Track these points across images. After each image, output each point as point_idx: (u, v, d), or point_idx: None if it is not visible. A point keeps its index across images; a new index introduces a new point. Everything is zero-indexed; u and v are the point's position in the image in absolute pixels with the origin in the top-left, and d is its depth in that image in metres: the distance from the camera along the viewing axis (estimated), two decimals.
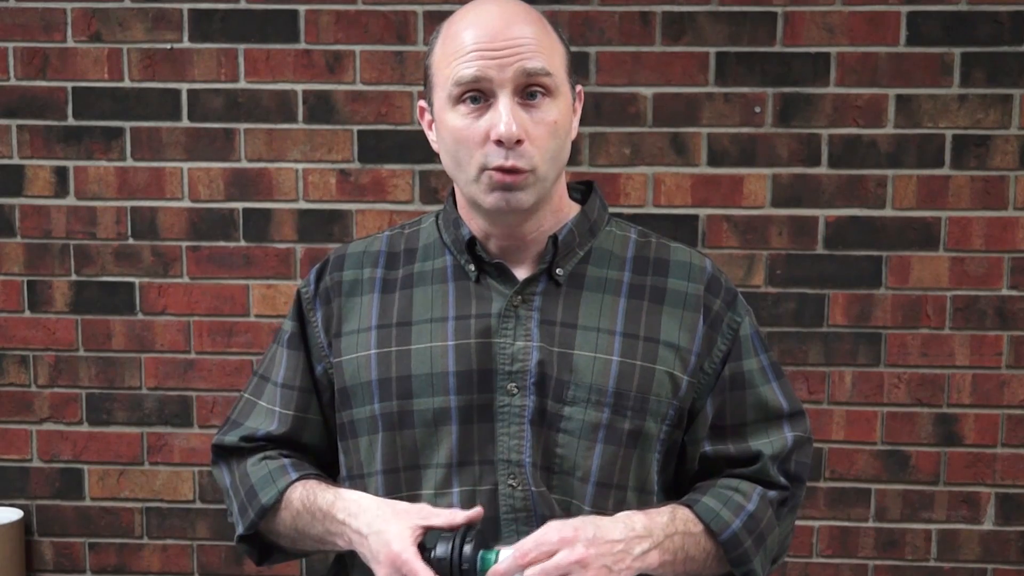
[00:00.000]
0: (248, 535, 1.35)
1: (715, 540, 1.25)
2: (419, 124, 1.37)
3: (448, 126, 1.23)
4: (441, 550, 1.12)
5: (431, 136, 1.31)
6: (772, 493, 1.30)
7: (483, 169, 1.22)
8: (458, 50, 1.21)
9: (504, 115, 1.19)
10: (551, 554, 1.11)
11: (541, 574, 1.10)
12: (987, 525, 2.70)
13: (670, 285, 1.31)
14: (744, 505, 1.27)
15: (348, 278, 1.35)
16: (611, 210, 1.41)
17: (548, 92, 1.22)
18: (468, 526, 1.15)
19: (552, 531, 1.12)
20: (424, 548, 1.14)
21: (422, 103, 1.32)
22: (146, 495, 2.79)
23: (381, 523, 1.19)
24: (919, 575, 2.71)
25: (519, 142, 1.19)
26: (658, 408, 1.27)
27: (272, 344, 1.41)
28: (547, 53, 1.22)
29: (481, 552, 1.12)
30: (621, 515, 1.20)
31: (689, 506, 1.26)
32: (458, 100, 1.21)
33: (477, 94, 1.20)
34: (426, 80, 1.28)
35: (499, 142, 1.19)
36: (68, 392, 2.77)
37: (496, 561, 1.11)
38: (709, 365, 1.30)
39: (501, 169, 1.20)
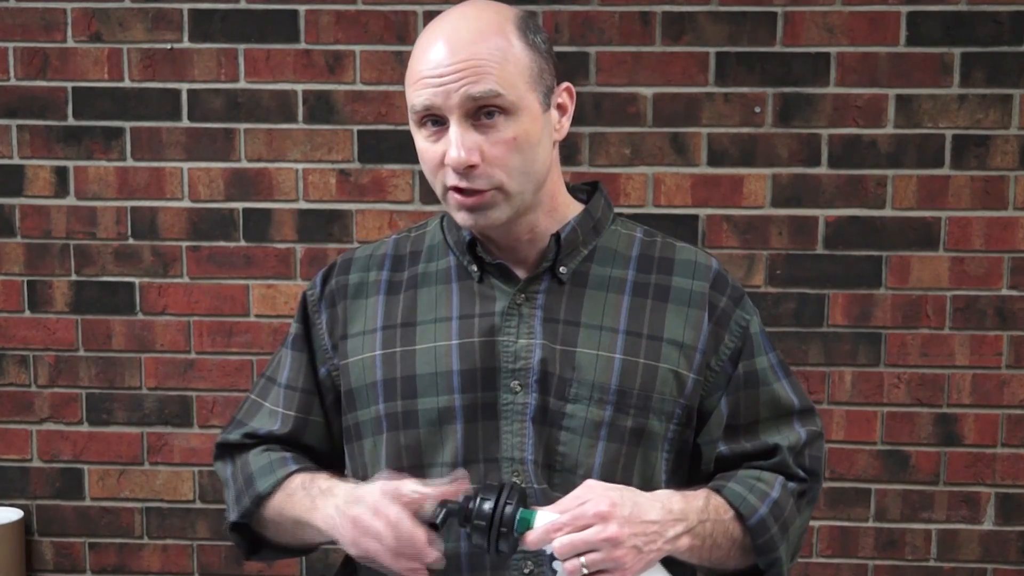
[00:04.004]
0: (240, 524, 1.35)
1: (743, 527, 1.25)
2: None
3: (417, 146, 1.25)
4: (485, 505, 1.11)
5: None
6: (792, 484, 1.30)
7: (446, 189, 1.23)
8: (412, 75, 1.22)
9: (453, 141, 1.19)
10: (584, 528, 1.11)
11: (569, 545, 1.10)
12: (987, 525, 2.70)
13: (675, 283, 1.31)
14: (768, 492, 1.27)
15: (354, 281, 1.36)
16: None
17: (504, 110, 1.20)
18: (511, 486, 1.15)
19: (590, 503, 1.12)
20: (464, 505, 1.14)
21: None
22: (146, 495, 2.79)
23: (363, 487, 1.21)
24: (919, 575, 2.71)
25: (472, 166, 1.20)
26: (662, 406, 1.26)
27: (280, 347, 1.42)
28: (498, 72, 1.19)
29: (520, 511, 1.12)
30: (660, 494, 1.19)
31: (717, 491, 1.26)
32: (420, 124, 1.23)
33: (435, 117, 1.21)
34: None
35: None
36: (68, 392, 2.77)
37: (533, 522, 1.12)
38: (717, 362, 1.30)
39: (457, 190, 1.22)
